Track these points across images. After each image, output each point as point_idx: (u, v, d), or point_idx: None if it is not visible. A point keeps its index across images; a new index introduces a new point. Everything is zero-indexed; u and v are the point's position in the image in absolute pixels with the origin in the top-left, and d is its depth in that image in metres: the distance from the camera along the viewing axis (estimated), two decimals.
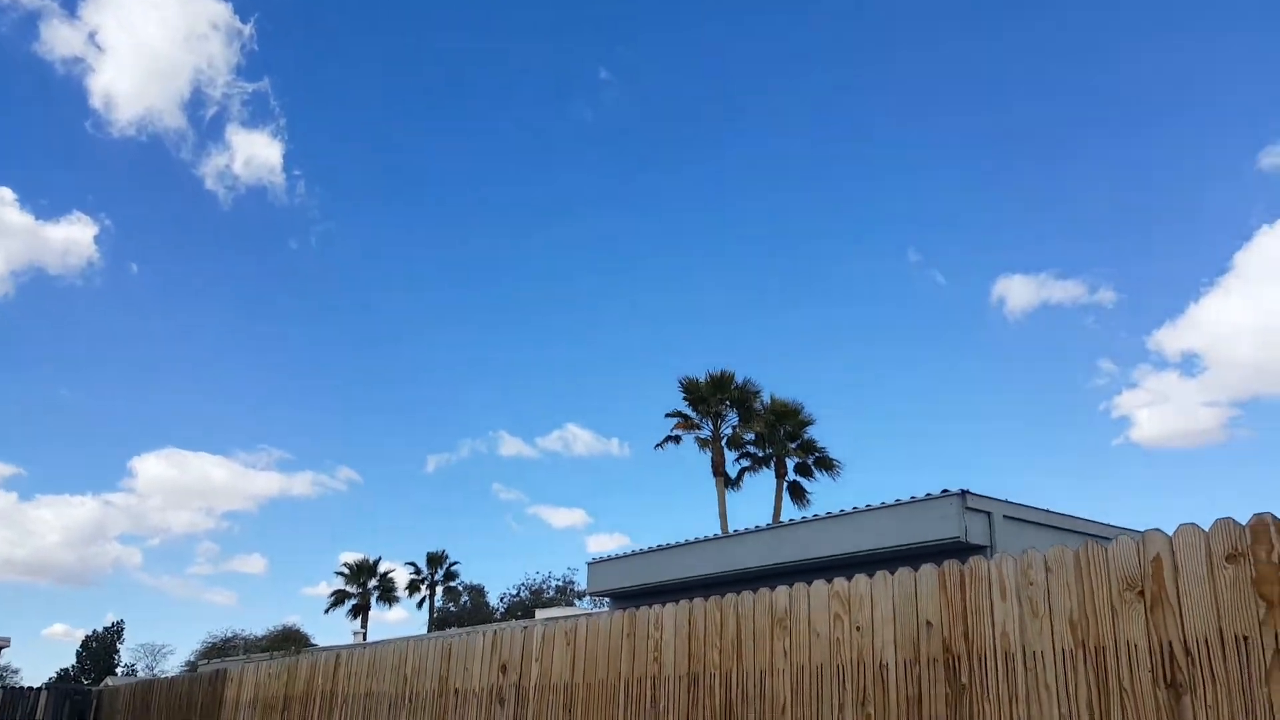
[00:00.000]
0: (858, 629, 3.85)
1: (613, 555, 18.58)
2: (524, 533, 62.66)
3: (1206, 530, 2.93)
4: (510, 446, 59.12)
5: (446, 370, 61.32)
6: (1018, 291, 49.02)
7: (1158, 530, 3.06)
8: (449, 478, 62.60)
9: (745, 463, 28.83)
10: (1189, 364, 52.59)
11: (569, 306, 57.52)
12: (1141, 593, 3.03)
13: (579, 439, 59.53)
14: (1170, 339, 50.33)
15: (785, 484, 27.63)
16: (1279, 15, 41.59)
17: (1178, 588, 2.95)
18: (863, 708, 3.73)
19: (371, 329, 61.02)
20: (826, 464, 27.36)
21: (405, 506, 66.68)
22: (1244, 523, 2.85)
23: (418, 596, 46.59)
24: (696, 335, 51.76)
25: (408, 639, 7.34)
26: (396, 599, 46.43)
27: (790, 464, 27.75)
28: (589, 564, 18.96)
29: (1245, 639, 2.76)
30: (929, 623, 3.59)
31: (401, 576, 46.81)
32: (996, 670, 3.33)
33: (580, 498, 66.81)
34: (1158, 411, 49.71)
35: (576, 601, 41.92)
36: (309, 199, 57.95)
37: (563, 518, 63.74)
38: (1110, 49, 44.83)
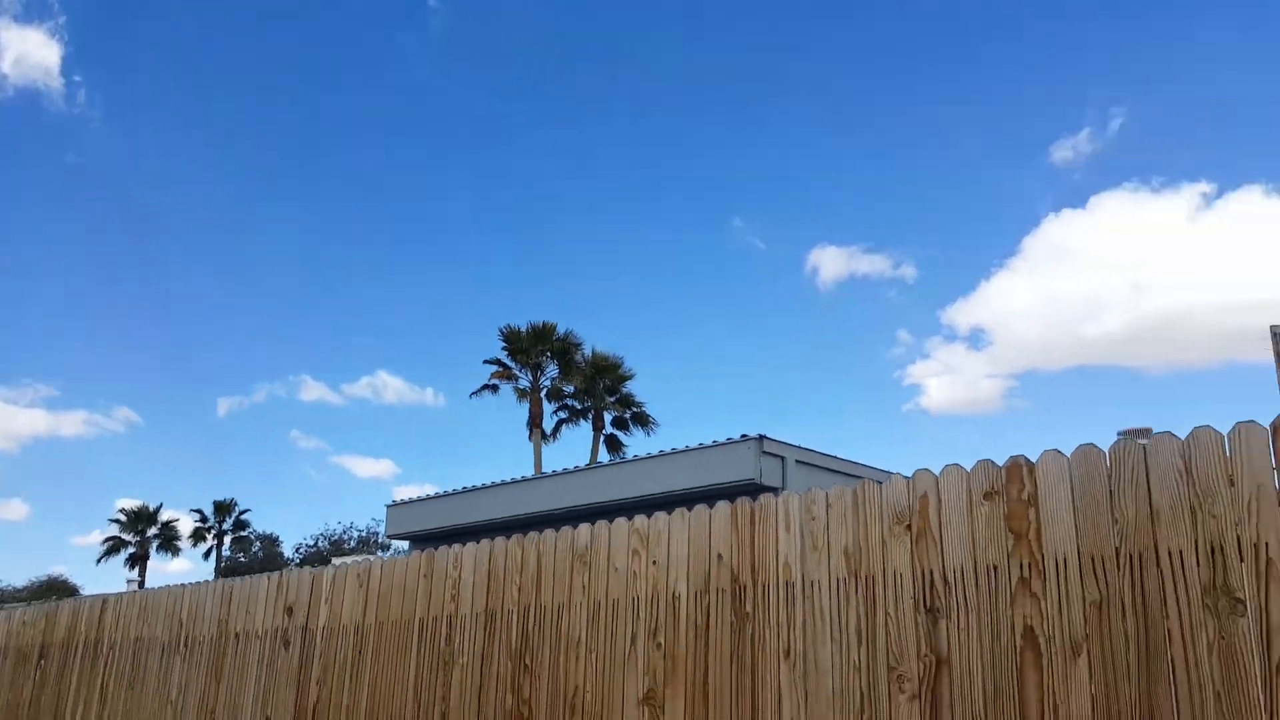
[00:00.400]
0: (654, 563, 3.93)
1: (415, 498, 18.19)
2: (325, 483, 60.17)
3: (969, 470, 3.19)
4: (313, 392, 56.32)
5: (242, 309, 57.01)
6: (830, 262, 51.90)
7: (926, 470, 3.30)
8: (242, 423, 58.81)
9: (563, 415, 29.05)
10: (976, 338, 57.69)
11: (383, 245, 55.08)
12: (909, 527, 3.26)
13: (390, 387, 57.68)
14: (962, 314, 54.72)
15: (602, 437, 28.07)
16: (1077, 10, 45.56)
17: (940, 522, 3.20)
18: (654, 637, 3.84)
19: (158, 258, 55.77)
20: (643, 419, 28.01)
21: (192, 452, 62.13)
22: (1001, 464, 3.13)
23: (204, 546, 43.95)
24: (519, 287, 51.15)
25: (185, 584, 6.87)
26: (179, 549, 43.61)
27: (608, 417, 28.21)
28: (389, 507, 18.41)
29: (995, 568, 3.04)
30: (720, 555, 3.73)
31: (186, 525, 43.91)
32: (778, 599, 3.51)
33: (388, 448, 64.84)
34: (945, 381, 54.24)
35: (380, 552, 40.93)
36: (90, 109, 51.92)
37: (368, 468, 61.69)
38: (919, 37, 47.73)
